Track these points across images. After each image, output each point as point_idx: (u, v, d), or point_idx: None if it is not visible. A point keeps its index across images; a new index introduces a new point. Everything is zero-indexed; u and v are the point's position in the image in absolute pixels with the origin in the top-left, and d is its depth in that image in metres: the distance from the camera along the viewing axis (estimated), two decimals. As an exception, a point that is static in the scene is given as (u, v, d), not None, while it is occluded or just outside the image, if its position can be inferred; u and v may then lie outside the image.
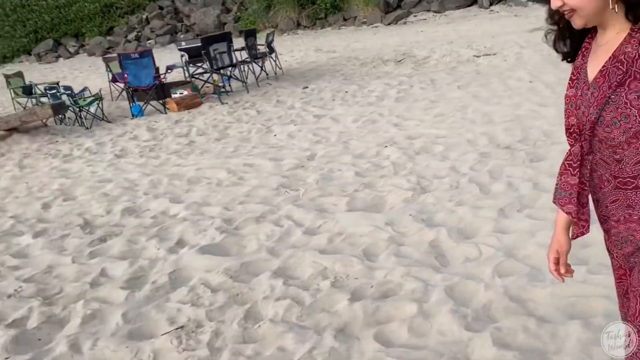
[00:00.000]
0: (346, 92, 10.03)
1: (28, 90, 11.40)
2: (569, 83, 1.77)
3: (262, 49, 12.29)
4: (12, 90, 11.69)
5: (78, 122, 10.08)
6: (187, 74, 11.27)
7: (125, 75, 10.12)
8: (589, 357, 2.85)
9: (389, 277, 3.91)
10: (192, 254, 4.61)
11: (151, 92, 10.19)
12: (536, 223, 4.27)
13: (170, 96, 10.60)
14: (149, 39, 25.10)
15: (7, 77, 12.06)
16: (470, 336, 3.13)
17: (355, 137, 7.30)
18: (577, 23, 1.64)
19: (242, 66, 11.25)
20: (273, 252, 4.51)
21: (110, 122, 10.15)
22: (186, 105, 10.30)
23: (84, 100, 10.09)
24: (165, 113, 10.25)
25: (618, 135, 1.62)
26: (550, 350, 2.96)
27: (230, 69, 11.04)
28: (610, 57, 1.62)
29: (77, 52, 25.58)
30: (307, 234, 4.75)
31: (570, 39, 1.78)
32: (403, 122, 7.59)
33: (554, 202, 1.85)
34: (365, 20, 22.73)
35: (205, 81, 10.97)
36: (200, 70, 11.02)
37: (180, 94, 10.59)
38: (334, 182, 5.83)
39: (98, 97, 10.13)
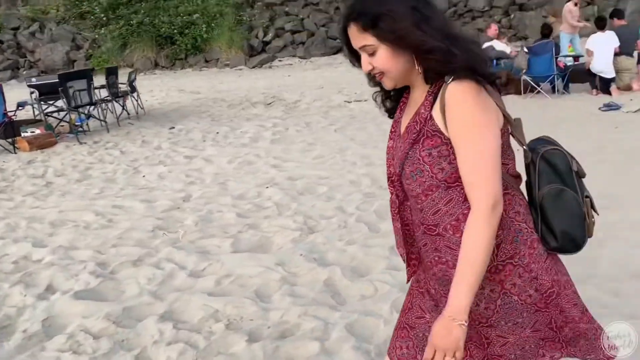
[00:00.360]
0: (217, 133, 10.08)
1: None
2: (389, 134, 1.96)
3: (124, 87, 12.07)
4: None
5: None
6: (37, 112, 10.78)
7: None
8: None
9: (285, 317, 3.96)
10: (65, 299, 4.40)
11: (2, 130, 9.66)
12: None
13: (19, 135, 10.08)
14: (-14, 73, 23.75)
15: None
16: (376, 371, 3.25)
17: (233, 178, 7.35)
18: (387, 84, 1.84)
19: (102, 105, 10.97)
20: (156, 295, 4.41)
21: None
22: (39, 144, 9.84)
23: None
24: (15, 153, 9.72)
25: (416, 188, 1.81)
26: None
27: (89, 107, 10.72)
28: (413, 115, 1.82)
29: None
30: (192, 276, 4.70)
31: (394, 100, 1.99)
32: (282, 164, 7.75)
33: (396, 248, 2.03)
34: (228, 62, 23.02)
35: (61, 119, 10.56)
36: (52, 109, 10.61)
37: (32, 132, 10.11)
38: (215, 224, 5.82)
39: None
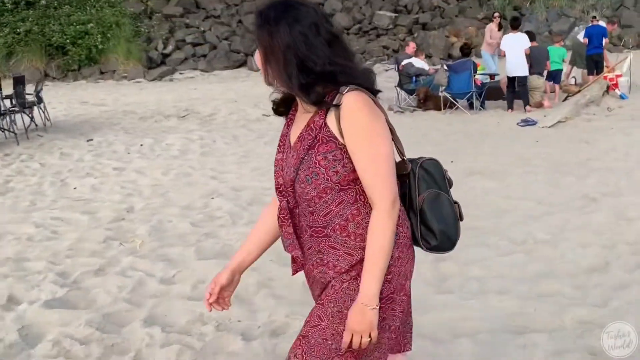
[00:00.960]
0: (141, 145, 10.09)
1: None
2: (277, 149, 2.18)
3: (30, 97, 11.81)
4: None
5: None
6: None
7: None
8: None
9: (273, 317, 4.21)
10: (35, 309, 4.42)
11: None
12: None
13: None
14: None
15: None
16: None
17: (172, 189, 7.46)
18: (265, 82, 2.07)
19: (11, 115, 10.70)
20: (132, 302, 4.53)
21: None
22: (-57, 157, 9.50)
23: None
24: None
25: (310, 191, 2.01)
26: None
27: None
28: (306, 125, 2.02)
29: None
30: (163, 283, 4.84)
31: (281, 101, 2.18)
32: (220, 175, 7.95)
33: (286, 250, 2.19)
34: (126, 74, 22.73)
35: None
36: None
37: None
38: (169, 233, 5.96)
39: None
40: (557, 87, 12.77)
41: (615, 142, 9.07)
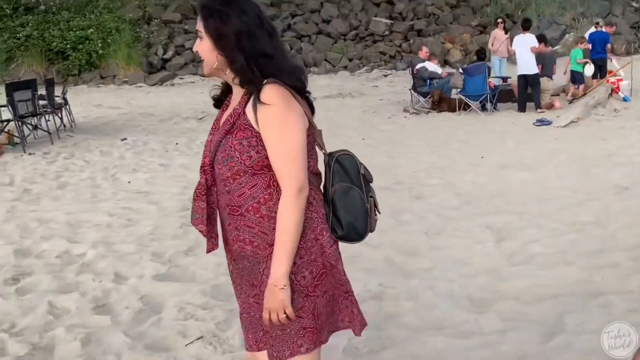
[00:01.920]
0: (177, 143, 10.56)
1: None
2: (210, 131, 2.36)
3: (58, 99, 12.23)
4: None
5: None
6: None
7: None
8: None
9: (368, 287, 4.72)
10: (147, 282, 4.89)
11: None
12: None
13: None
14: None
15: None
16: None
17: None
18: (204, 70, 2.27)
19: (46, 116, 11.12)
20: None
21: None
22: (-15, 155, 9.89)
23: None
24: (-39, 163, 9.71)
25: (226, 172, 2.19)
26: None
27: (34, 118, 10.87)
28: (230, 112, 2.22)
29: None
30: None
31: (220, 92, 2.40)
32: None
33: (192, 224, 2.38)
34: (126, 79, 23.12)
35: (2, 130, 10.62)
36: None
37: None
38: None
39: None
40: (581, 88, 13.41)
41: (630, 139, 9.72)
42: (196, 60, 24.40)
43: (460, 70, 12.72)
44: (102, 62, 23.63)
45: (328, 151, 2.33)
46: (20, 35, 23.13)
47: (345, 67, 24.09)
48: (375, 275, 4.92)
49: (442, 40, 24.58)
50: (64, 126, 12.10)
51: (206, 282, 4.90)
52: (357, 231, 2.27)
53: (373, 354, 3.81)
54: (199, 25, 2.20)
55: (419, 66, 13.38)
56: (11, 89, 10.30)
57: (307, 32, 25.38)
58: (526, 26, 12.90)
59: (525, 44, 12.41)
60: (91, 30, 23.46)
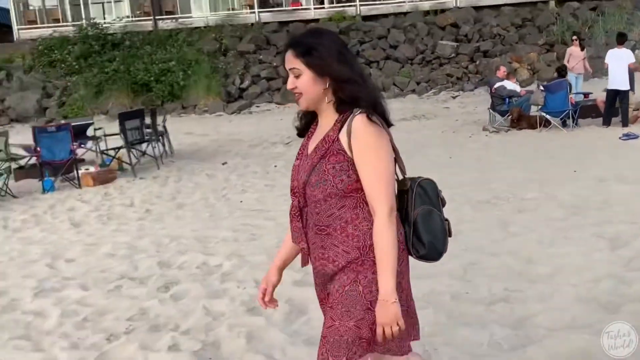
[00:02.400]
0: (275, 166, 10.98)
1: None
2: (297, 156, 2.50)
3: (160, 128, 12.84)
4: None
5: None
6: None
7: (38, 148, 10.14)
8: None
9: (493, 291, 4.93)
10: (287, 288, 5.13)
11: (65, 167, 10.26)
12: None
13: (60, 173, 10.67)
14: (-48, 122, 23.75)
15: None
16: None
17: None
18: (302, 104, 2.38)
19: (152, 143, 11.73)
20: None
21: (16, 197, 9.96)
22: (102, 180, 10.47)
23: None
24: (80, 187, 10.31)
25: (318, 194, 2.32)
26: None
27: (144, 145, 11.50)
28: (322, 139, 2.34)
29: None
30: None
31: (304, 122, 2.52)
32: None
33: (294, 242, 2.53)
34: (206, 108, 23.84)
35: (113, 157, 11.23)
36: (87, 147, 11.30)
37: (86, 169, 10.74)
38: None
39: (7, 170, 9.94)
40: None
41: None
42: (271, 89, 25.12)
43: (541, 88, 12.83)
44: (183, 92, 24.41)
45: (410, 174, 2.50)
46: (108, 69, 24.12)
47: (413, 91, 24.30)
48: (498, 280, 5.12)
49: (509, 60, 24.57)
50: (165, 152, 12.67)
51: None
52: (438, 250, 2.41)
53: (516, 350, 4.00)
54: (293, 63, 2.31)
55: (497, 85, 13.54)
56: (123, 118, 10.92)
57: (375, 58, 25.72)
58: (621, 40, 12.73)
59: (620, 59, 12.29)
60: (172, 62, 24.29)
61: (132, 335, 4.54)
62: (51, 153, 10.17)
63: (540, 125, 12.86)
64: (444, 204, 2.50)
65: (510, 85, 13.68)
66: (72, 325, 4.83)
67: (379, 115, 2.31)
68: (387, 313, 2.23)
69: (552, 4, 27.59)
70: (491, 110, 13.84)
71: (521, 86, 15.42)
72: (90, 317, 4.98)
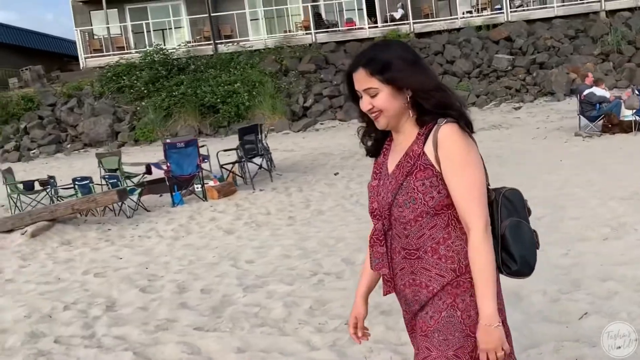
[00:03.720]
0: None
1: (29, 186, 11.18)
2: (372, 175, 2.34)
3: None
4: (8, 187, 11.33)
5: (114, 211, 10.17)
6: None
7: (168, 164, 10.54)
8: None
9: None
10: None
11: (192, 181, 10.65)
12: None
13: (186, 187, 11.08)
14: (29, 148, 24.43)
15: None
16: None
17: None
18: (381, 123, 2.19)
19: (266, 156, 12.12)
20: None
21: (148, 210, 10.34)
22: (225, 193, 10.84)
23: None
24: (206, 200, 10.67)
25: (408, 214, 2.12)
26: None
27: (260, 158, 11.91)
28: (403, 155, 2.17)
29: (-58, 164, 24.05)
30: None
31: (375, 140, 2.34)
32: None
33: (372, 269, 2.34)
34: (273, 127, 24.27)
35: (230, 171, 11.61)
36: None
37: (206, 183, 11.12)
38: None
39: (142, 186, 10.35)
40: None
41: None
42: (333, 107, 25.51)
43: (637, 92, 13.00)
44: (248, 113, 24.89)
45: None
46: (176, 93, 24.71)
47: (474, 103, 24.50)
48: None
49: (566, 70, 24.71)
50: (272, 166, 13.04)
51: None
52: (530, 265, 2.19)
53: None
54: (368, 82, 2.14)
55: (586, 92, 13.75)
56: (242, 133, 11.32)
57: (433, 73, 26.04)
58: None
59: None
60: (237, 84, 24.82)
61: (372, 318, 4.76)
62: (180, 168, 10.57)
63: (635, 129, 13.01)
64: (529, 214, 2.30)
65: (600, 91, 13.87)
66: (304, 313, 5.11)
67: (466, 124, 2.15)
68: (491, 338, 2.05)
69: (602, 14, 27.73)
70: (581, 116, 14.03)
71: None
72: (314, 306, 5.25)
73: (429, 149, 2.10)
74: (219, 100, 24.67)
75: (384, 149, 2.30)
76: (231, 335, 4.82)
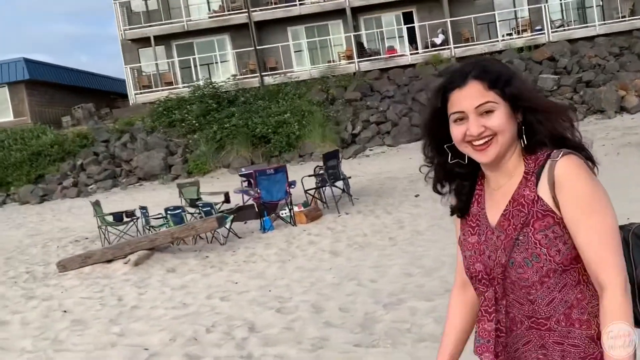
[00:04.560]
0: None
1: (119, 218, 11.40)
2: (469, 230, 1.83)
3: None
4: (97, 218, 11.57)
5: (206, 239, 10.31)
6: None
7: (259, 190, 10.69)
8: None
9: None
10: None
11: (280, 206, 10.78)
12: None
13: (274, 212, 11.20)
14: (86, 184, 24.85)
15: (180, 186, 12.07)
16: None
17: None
18: (490, 153, 1.70)
19: (346, 181, 12.26)
20: None
21: (240, 237, 10.46)
22: (312, 217, 10.95)
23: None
24: (295, 225, 10.77)
25: (531, 275, 1.68)
26: None
27: (341, 183, 12.03)
28: (510, 201, 1.73)
29: (3, 202, 24.53)
30: None
31: (458, 193, 1.87)
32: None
33: (475, 353, 1.85)
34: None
35: (313, 196, 11.73)
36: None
37: (290, 209, 11.23)
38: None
39: (234, 214, 10.50)
40: None
41: None
42: (381, 132, 25.66)
43: None
44: (299, 142, 25.11)
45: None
46: (228, 125, 25.04)
47: (522, 124, 24.51)
48: None
49: (615, 88, 24.61)
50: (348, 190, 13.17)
51: None
52: None
53: None
54: (485, 96, 1.70)
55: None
56: (327, 158, 11.47)
57: (479, 96, 26.12)
58: None
59: None
60: (287, 115, 25.11)
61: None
62: (269, 194, 10.71)
63: None
64: None
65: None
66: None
67: (587, 158, 1.73)
68: None
69: (646, 31, 27.68)
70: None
71: (631, 113, 15.33)
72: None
73: (543, 190, 1.69)
74: (270, 130, 24.93)
75: (476, 196, 1.85)
76: (397, 350, 4.85)
